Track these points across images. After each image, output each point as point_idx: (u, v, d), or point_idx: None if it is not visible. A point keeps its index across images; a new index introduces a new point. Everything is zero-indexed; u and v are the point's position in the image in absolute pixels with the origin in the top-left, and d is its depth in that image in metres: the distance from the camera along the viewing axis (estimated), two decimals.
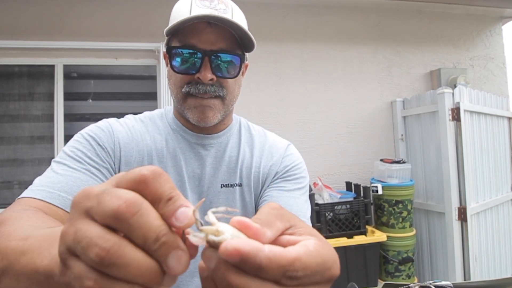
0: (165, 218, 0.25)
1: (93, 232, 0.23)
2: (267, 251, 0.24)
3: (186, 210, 0.25)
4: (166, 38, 0.73)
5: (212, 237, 0.25)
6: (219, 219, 0.27)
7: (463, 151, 2.34)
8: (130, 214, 0.23)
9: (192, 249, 0.25)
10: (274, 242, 0.27)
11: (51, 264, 0.31)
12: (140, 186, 0.25)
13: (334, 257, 0.27)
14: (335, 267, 0.27)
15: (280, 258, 0.24)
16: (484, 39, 3.26)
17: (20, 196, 0.58)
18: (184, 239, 0.25)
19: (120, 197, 0.24)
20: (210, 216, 0.26)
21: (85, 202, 0.25)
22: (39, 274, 0.32)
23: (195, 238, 0.25)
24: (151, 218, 0.24)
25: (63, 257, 0.25)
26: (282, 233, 0.28)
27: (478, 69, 3.22)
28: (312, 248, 0.26)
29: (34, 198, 0.57)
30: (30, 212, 0.51)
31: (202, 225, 0.26)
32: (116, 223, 0.24)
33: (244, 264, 0.23)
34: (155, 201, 0.25)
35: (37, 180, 0.62)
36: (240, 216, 0.26)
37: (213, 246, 0.25)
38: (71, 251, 0.24)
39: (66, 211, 0.57)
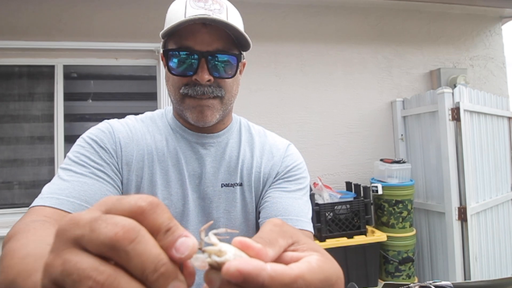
0: (164, 250, 0.23)
1: (85, 263, 0.21)
2: (269, 270, 0.23)
3: (186, 240, 0.24)
4: (162, 40, 0.73)
5: (215, 258, 0.24)
6: (220, 241, 0.26)
7: (463, 151, 2.34)
8: (127, 241, 0.22)
9: (189, 278, 0.24)
10: (277, 259, 0.27)
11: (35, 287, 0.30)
12: (137, 218, 0.23)
13: (338, 273, 0.27)
14: (339, 282, 0.27)
15: (283, 277, 0.23)
16: (484, 39, 3.26)
17: (31, 205, 0.60)
18: (181, 266, 0.24)
19: (117, 223, 0.22)
20: (212, 237, 0.26)
21: (73, 230, 0.23)
22: None
23: (197, 262, 0.24)
24: (149, 246, 0.22)
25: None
26: (285, 250, 0.28)
27: (478, 69, 3.22)
28: (315, 264, 0.25)
29: (45, 206, 0.58)
30: (38, 223, 0.53)
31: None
32: (111, 252, 0.22)
33: (246, 284, 0.23)
34: (153, 233, 0.24)
35: (45, 188, 0.63)
36: (240, 236, 0.26)
37: (215, 267, 0.24)
38: (58, 284, 0.22)
39: None
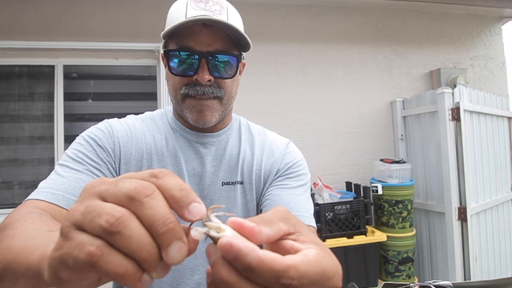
0: (177, 208, 0.26)
1: (105, 205, 0.25)
2: (260, 253, 0.24)
3: (198, 205, 0.26)
4: (163, 40, 0.74)
5: (213, 233, 0.26)
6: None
7: (463, 151, 2.34)
8: (143, 195, 0.25)
9: (192, 244, 0.26)
10: (277, 244, 0.28)
11: (41, 259, 0.31)
12: (152, 179, 0.27)
13: (336, 268, 0.27)
14: (337, 278, 0.26)
15: (273, 263, 0.24)
16: (484, 39, 3.26)
17: (26, 199, 0.60)
18: (187, 234, 0.26)
19: (137, 181, 0.26)
20: (213, 217, 0.27)
21: (99, 186, 0.26)
22: (31, 271, 0.33)
23: (196, 232, 0.26)
24: (162, 203, 0.25)
25: (65, 230, 0.25)
26: (286, 237, 0.28)
27: (478, 69, 3.22)
28: (312, 257, 0.25)
29: (39, 200, 0.59)
30: (35, 215, 0.53)
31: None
32: (129, 203, 0.25)
33: (236, 262, 0.24)
34: (166, 195, 0.26)
35: (42, 183, 0.64)
36: (238, 216, 0.26)
37: (214, 240, 0.26)
38: (76, 225, 0.25)
39: None
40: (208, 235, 0.26)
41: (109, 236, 0.24)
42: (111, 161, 0.71)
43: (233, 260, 0.24)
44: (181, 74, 0.70)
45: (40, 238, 0.38)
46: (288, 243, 0.27)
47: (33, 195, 0.61)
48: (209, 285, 0.26)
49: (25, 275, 0.34)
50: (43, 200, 0.59)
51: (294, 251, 0.27)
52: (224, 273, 0.24)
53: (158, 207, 0.25)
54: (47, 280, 0.27)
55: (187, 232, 0.26)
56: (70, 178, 0.64)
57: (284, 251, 0.27)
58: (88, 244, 0.24)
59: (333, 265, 0.26)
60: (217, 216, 0.28)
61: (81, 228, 0.25)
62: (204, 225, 0.26)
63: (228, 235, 0.25)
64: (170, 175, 0.27)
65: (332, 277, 0.26)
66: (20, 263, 0.35)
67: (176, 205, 0.26)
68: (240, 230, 0.26)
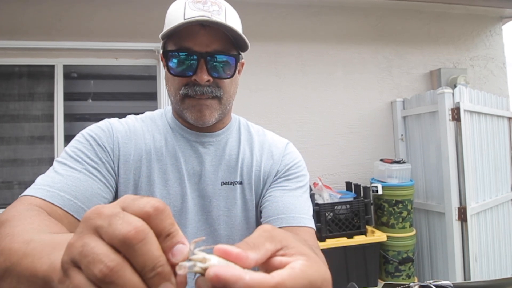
0: (164, 252, 0.26)
1: (100, 249, 0.25)
2: (247, 279, 0.24)
3: (182, 247, 0.27)
4: (162, 41, 0.74)
5: (199, 264, 0.26)
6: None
7: (463, 151, 2.34)
8: (136, 240, 0.25)
9: (180, 284, 0.27)
10: (266, 264, 0.28)
11: (50, 270, 0.32)
12: (145, 219, 0.27)
13: (324, 276, 0.27)
14: (326, 285, 0.27)
15: (261, 285, 0.24)
16: (484, 39, 3.26)
17: (22, 194, 0.61)
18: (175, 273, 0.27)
19: (130, 223, 0.26)
20: (196, 251, 0.28)
21: (95, 220, 0.27)
22: (38, 278, 0.34)
23: (181, 270, 0.27)
24: (153, 247, 0.26)
25: (65, 266, 0.26)
26: (274, 255, 0.28)
27: (478, 69, 3.22)
28: (298, 270, 0.26)
29: (35, 197, 0.59)
30: (33, 212, 0.53)
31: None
32: (122, 247, 0.25)
33: None
34: (157, 235, 0.27)
35: (39, 179, 0.64)
36: (221, 244, 0.27)
37: (203, 274, 0.26)
38: (74, 262, 0.26)
39: (65, 210, 0.60)
40: (193, 271, 0.27)
41: (103, 285, 0.24)
42: (109, 161, 0.71)
43: None
44: (180, 74, 0.71)
45: (43, 243, 0.38)
46: (277, 259, 0.28)
47: (29, 191, 0.61)
48: None
49: (30, 280, 0.35)
50: (39, 197, 0.59)
51: (283, 266, 0.27)
52: None
53: (149, 253, 0.25)
54: None
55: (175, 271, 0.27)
56: (67, 177, 0.64)
57: (274, 268, 0.27)
58: None
59: (321, 274, 0.27)
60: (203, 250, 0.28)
61: (78, 266, 0.26)
62: (189, 260, 0.27)
63: (214, 264, 0.26)
64: (164, 215, 0.27)
65: (320, 285, 0.27)
66: (25, 268, 0.36)
67: (162, 249, 0.27)
68: (227, 257, 0.26)
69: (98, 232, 0.26)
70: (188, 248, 0.27)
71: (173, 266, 0.26)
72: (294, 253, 0.28)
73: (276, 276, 0.25)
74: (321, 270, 0.27)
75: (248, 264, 0.26)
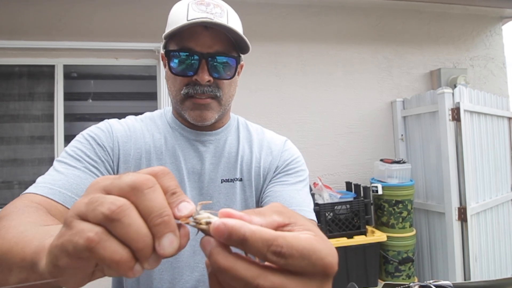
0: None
1: (108, 196, 0.27)
2: (251, 226, 0.26)
3: (187, 204, 0.28)
4: (163, 41, 0.75)
5: (204, 221, 0.28)
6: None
7: (463, 151, 2.34)
8: (146, 186, 0.27)
9: (183, 237, 0.28)
10: None
11: (37, 249, 0.32)
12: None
13: (329, 250, 0.27)
14: (330, 259, 0.26)
15: (263, 232, 0.25)
16: (484, 39, 3.26)
17: (24, 192, 0.62)
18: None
19: (139, 175, 0.27)
20: (202, 212, 0.29)
21: (103, 181, 0.28)
22: (26, 262, 0.34)
23: (186, 221, 0.28)
24: (161, 196, 0.27)
25: (68, 220, 0.27)
26: (281, 229, 0.28)
27: (478, 69, 3.22)
28: (302, 236, 0.26)
29: (36, 194, 0.60)
30: (32, 209, 0.54)
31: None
32: (130, 193, 0.26)
33: (231, 238, 0.25)
34: (163, 191, 0.28)
35: (40, 178, 0.65)
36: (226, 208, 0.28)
37: (207, 233, 0.27)
38: (80, 215, 0.26)
39: (66, 207, 0.61)
40: (198, 227, 0.28)
41: (109, 223, 0.25)
42: (109, 160, 0.72)
43: (228, 237, 0.25)
44: (181, 74, 0.72)
45: (36, 231, 0.39)
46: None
47: (30, 189, 0.62)
48: (210, 275, 0.28)
49: (19, 266, 0.35)
50: (40, 195, 0.60)
51: None
52: (221, 259, 0.26)
53: (157, 199, 0.26)
54: (44, 270, 0.29)
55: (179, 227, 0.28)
56: (67, 175, 0.65)
57: None
58: (88, 231, 0.25)
59: (326, 247, 0.27)
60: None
61: (84, 218, 0.26)
62: (195, 219, 0.28)
63: (218, 219, 0.27)
64: (169, 176, 0.29)
65: (324, 256, 0.26)
66: (15, 254, 0.36)
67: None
68: (230, 218, 0.27)
69: (106, 189, 0.27)
70: (191, 205, 0.28)
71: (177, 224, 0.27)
72: (302, 230, 0.28)
73: (280, 232, 0.26)
74: (327, 245, 0.27)
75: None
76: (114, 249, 0.25)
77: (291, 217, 0.29)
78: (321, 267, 0.26)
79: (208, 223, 0.27)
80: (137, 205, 0.26)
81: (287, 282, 0.25)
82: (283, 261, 0.25)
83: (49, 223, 0.48)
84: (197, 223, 0.28)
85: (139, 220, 0.26)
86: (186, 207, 0.28)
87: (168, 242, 0.26)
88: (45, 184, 0.62)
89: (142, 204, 0.26)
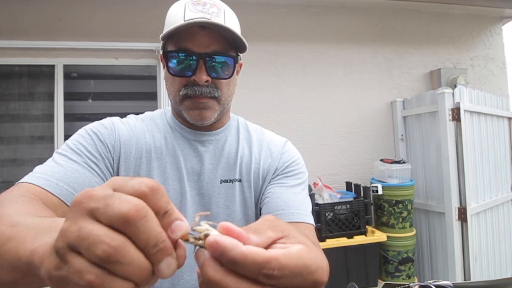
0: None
1: (99, 231, 0.25)
2: (243, 248, 0.26)
3: (180, 223, 0.28)
4: (161, 42, 0.75)
5: (199, 236, 0.28)
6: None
7: (463, 151, 2.34)
8: (138, 218, 0.25)
9: (180, 258, 0.28)
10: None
11: (32, 256, 0.32)
12: (142, 199, 0.27)
13: (320, 263, 0.28)
14: (321, 273, 0.27)
15: (256, 256, 0.25)
16: (484, 39, 3.26)
17: (20, 181, 0.61)
18: (175, 246, 0.28)
19: (129, 201, 0.26)
20: (202, 223, 0.29)
21: (88, 203, 0.26)
22: (21, 263, 0.34)
23: (188, 238, 0.28)
24: (154, 224, 0.26)
25: (61, 252, 0.26)
26: (274, 242, 0.29)
27: (478, 69, 3.22)
28: (295, 251, 0.27)
29: (33, 184, 0.59)
30: (27, 199, 0.54)
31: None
32: (123, 225, 0.25)
33: (222, 257, 0.26)
34: (154, 213, 0.27)
35: (38, 168, 0.65)
36: (226, 222, 0.28)
37: (203, 246, 0.28)
38: (72, 247, 0.25)
39: (61, 200, 0.61)
40: (196, 243, 0.28)
41: (108, 265, 0.25)
42: (109, 157, 0.72)
43: (220, 256, 0.26)
44: (179, 74, 0.72)
45: (28, 226, 0.39)
46: (277, 246, 0.29)
47: (27, 178, 0.61)
48: (201, 285, 0.28)
49: (13, 265, 0.35)
50: (36, 185, 0.59)
51: None
52: (211, 272, 0.26)
53: (151, 230, 0.26)
54: (44, 279, 0.28)
55: (175, 246, 0.28)
56: (66, 167, 0.64)
57: None
58: (87, 272, 0.25)
59: (317, 260, 0.27)
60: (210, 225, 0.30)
61: (76, 251, 0.25)
62: (194, 230, 0.28)
63: (215, 234, 0.27)
64: (159, 194, 0.28)
65: (315, 271, 0.27)
66: (8, 252, 0.36)
67: (162, 227, 0.27)
68: (229, 234, 0.27)
69: (93, 215, 0.26)
70: (185, 224, 0.28)
71: (172, 242, 0.27)
72: (294, 242, 0.29)
73: (271, 251, 0.26)
74: (318, 258, 0.28)
75: (249, 245, 0.27)
76: (118, 287, 0.25)
77: (284, 230, 0.30)
78: (311, 281, 0.27)
79: (206, 236, 0.27)
80: (131, 237, 0.26)
81: None
82: (274, 282, 0.26)
83: (42, 214, 0.48)
84: (195, 238, 0.28)
85: (138, 255, 0.25)
86: (179, 227, 0.27)
87: (166, 266, 0.26)
88: (42, 175, 0.62)
89: (138, 237, 0.25)
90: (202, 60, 0.70)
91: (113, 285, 0.25)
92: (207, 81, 0.71)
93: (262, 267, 0.25)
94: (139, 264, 0.25)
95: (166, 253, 0.26)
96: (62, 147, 0.70)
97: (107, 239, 0.25)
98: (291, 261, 0.26)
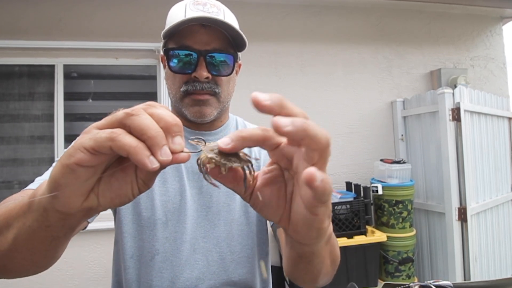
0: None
1: (104, 132, 0.31)
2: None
3: (179, 138, 0.34)
4: (162, 41, 0.77)
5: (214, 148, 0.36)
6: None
7: (463, 151, 2.33)
8: (152, 105, 0.34)
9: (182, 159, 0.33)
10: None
11: (31, 197, 0.37)
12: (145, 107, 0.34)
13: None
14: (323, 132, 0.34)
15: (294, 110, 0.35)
16: (485, 39, 3.26)
17: (23, 189, 0.63)
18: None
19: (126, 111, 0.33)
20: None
21: (94, 124, 0.33)
22: (25, 207, 0.39)
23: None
24: (149, 120, 0.32)
25: (86, 130, 0.33)
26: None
27: (478, 69, 3.22)
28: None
29: (31, 189, 0.61)
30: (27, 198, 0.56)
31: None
32: (127, 117, 0.32)
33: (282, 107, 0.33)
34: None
35: (38, 178, 0.68)
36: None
37: (217, 164, 0.35)
38: (96, 127, 0.33)
39: None
40: (214, 162, 0.35)
41: (126, 119, 0.31)
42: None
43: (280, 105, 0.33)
44: (180, 71, 0.74)
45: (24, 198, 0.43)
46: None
47: (29, 186, 0.64)
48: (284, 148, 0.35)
49: (18, 215, 0.40)
50: (33, 189, 0.61)
51: None
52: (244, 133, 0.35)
53: (152, 122, 0.32)
54: (44, 192, 0.34)
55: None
56: None
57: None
58: (109, 131, 0.31)
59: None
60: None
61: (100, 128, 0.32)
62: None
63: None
64: (160, 107, 0.33)
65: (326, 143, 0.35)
66: (12, 209, 0.41)
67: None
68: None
69: (99, 127, 0.33)
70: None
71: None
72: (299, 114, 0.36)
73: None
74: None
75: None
76: (132, 140, 0.30)
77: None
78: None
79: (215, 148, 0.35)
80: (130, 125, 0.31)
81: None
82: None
83: None
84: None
85: (149, 120, 0.31)
86: (179, 142, 0.33)
87: (178, 141, 0.32)
88: (39, 182, 0.64)
89: (154, 113, 0.32)
90: (202, 57, 0.72)
91: (128, 137, 0.30)
92: (207, 77, 0.72)
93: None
94: (151, 121, 0.31)
95: (176, 132, 0.33)
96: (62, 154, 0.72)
97: (127, 110, 0.32)
98: (316, 128, 0.32)
